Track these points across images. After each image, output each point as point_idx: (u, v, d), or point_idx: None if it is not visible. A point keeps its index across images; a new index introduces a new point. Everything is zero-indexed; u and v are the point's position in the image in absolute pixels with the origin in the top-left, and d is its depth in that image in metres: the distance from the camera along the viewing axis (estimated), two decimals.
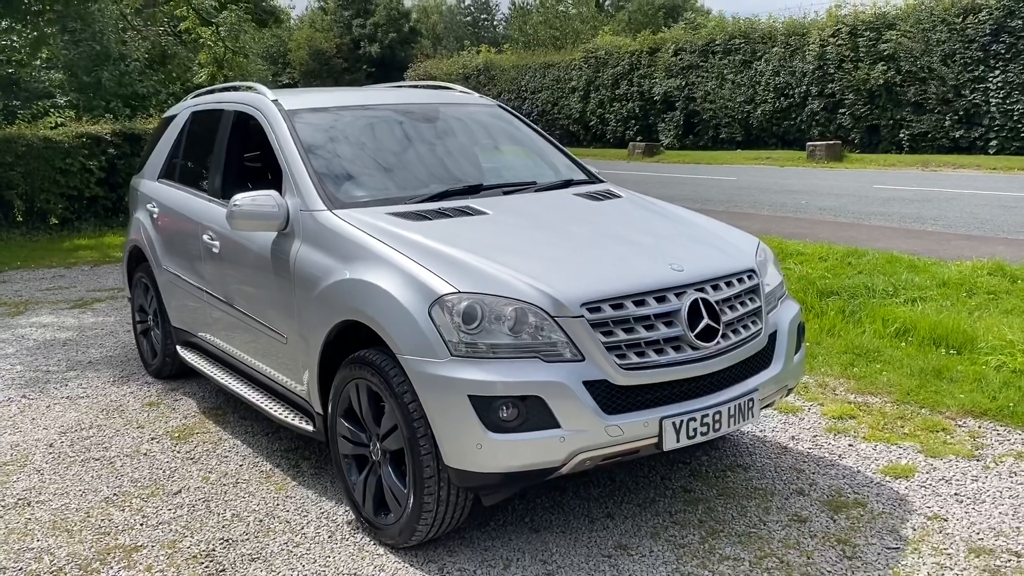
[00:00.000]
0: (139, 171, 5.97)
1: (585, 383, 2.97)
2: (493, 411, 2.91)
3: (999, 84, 19.01)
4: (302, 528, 3.56)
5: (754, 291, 3.49)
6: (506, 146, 4.79)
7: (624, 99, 28.08)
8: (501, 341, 2.99)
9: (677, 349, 3.14)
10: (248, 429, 4.69)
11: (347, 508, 3.67)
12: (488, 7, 58.37)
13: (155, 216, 5.35)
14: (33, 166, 12.22)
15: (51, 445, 4.55)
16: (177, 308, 5.15)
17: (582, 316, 3.01)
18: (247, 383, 4.42)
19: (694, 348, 3.16)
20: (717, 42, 25.19)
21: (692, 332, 3.14)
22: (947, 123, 19.94)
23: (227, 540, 3.48)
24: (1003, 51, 18.93)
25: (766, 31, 24.25)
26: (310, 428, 3.78)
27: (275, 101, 4.36)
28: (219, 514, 3.71)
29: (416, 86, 5.47)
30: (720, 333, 3.22)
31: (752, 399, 3.31)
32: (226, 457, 4.33)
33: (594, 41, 30.72)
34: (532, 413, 2.93)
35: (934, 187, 14.28)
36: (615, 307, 3.07)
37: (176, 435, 4.64)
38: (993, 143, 19.22)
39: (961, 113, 19.71)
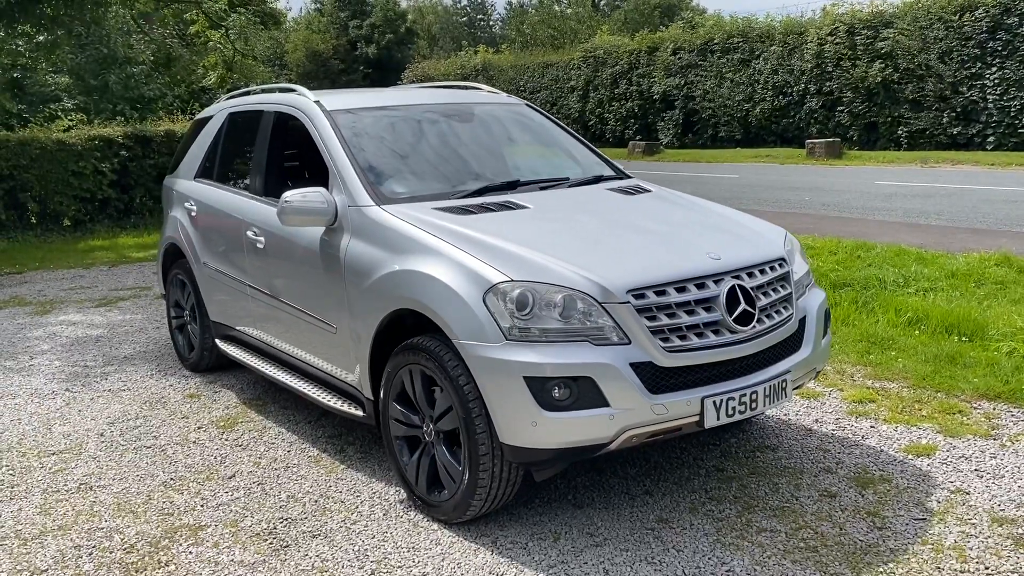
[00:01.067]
0: (172, 171, 6.15)
1: (632, 364, 3.16)
2: (547, 391, 3.10)
3: (996, 81, 19.26)
4: (357, 507, 3.75)
5: (785, 278, 3.68)
6: (536, 143, 4.98)
7: (623, 98, 28.32)
8: (552, 326, 3.17)
9: (716, 333, 3.33)
10: (291, 418, 4.87)
11: (398, 488, 3.86)
12: (484, 7, 58.58)
13: (193, 214, 5.52)
14: (46, 169, 12.39)
15: (102, 435, 4.73)
16: (217, 303, 5.33)
17: (628, 302, 3.20)
18: (290, 372, 4.60)
19: (732, 332, 3.35)
20: (715, 41, 25.44)
21: (730, 316, 3.33)
22: (945, 120, 20.20)
23: (287, 519, 3.66)
24: (1000, 48, 19.19)
25: (764, 30, 24.50)
26: (360, 413, 3.96)
27: (317, 102, 4.54)
28: (275, 496, 3.90)
29: (446, 86, 5.65)
30: (756, 318, 3.41)
31: (785, 380, 3.51)
32: (273, 444, 4.51)
33: (592, 41, 30.96)
34: (583, 393, 3.11)
35: (935, 183, 14.51)
36: (658, 293, 3.26)
37: (221, 424, 4.82)
38: (991, 139, 19.47)
39: (959, 110, 19.96)
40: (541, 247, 3.43)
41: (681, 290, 3.30)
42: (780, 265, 3.67)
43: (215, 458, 4.35)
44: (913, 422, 4.43)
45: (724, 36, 25.28)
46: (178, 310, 5.96)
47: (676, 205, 4.30)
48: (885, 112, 21.35)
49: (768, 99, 23.90)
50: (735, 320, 3.35)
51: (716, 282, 3.37)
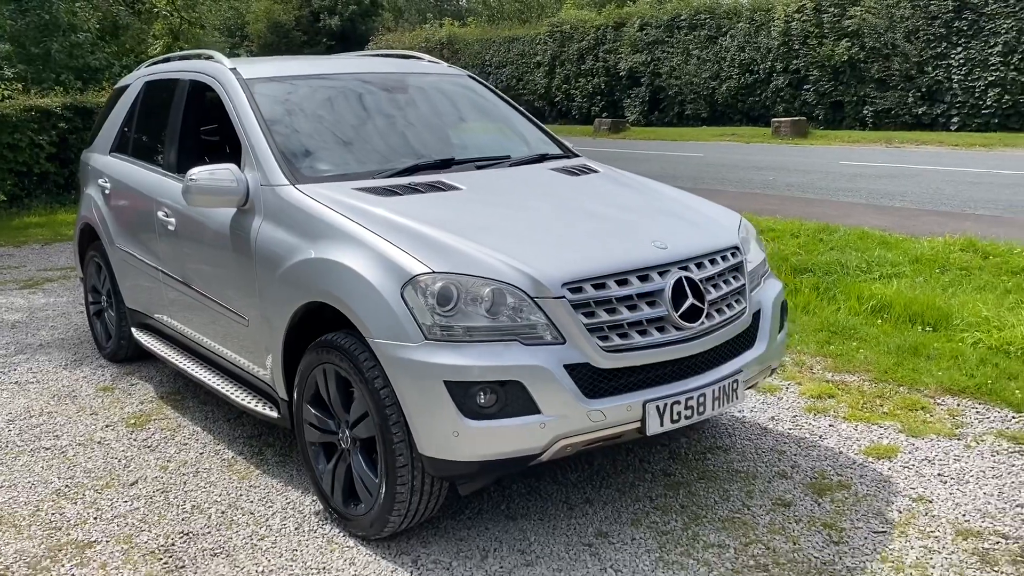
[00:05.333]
0: (90, 144, 5.68)
1: (566, 366, 2.83)
2: (470, 397, 2.76)
3: (961, 61, 19.15)
4: (267, 520, 3.39)
5: (738, 269, 3.36)
6: (477, 118, 4.60)
7: (590, 75, 27.88)
8: (478, 324, 2.83)
9: (661, 330, 3.00)
10: (208, 415, 4.49)
11: (315, 498, 3.51)
12: None
13: (107, 192, 5.08)
14: None
15: None
16: (132, 289, 4.91)
17: (563, 297, 2.86)
18: (207, 367, 4.22)
19: (678, 329, 3.02)
20: (682, 17, 25.06)
21: (676, 312, 3.01)
22: (910, 99, 20.08)
23: (187, 534, 3.30)
24: (965, 28, 19.06)
25: (731, 6, 24.17)
26: (274, 414, 3.60)
27: (233, 69, 4.13)
28: (178, 506, 3.52)
29: (382, 55, 5.24)
30: (704, 313, 3.10)
31: (737, 380, 3.20)
32: (185, 445, 4.13)
33: (559, 15, 30.43)
34: (511, 399, 2.78)
35: (899, 163, 14.34)
36: (597, 287, 2.92)
37: (132, 422, 4.42)
38: (955, 120, 19.39)
39: (924, 90, 19.85)
40: (469, 234, 3.07)
41: (622, 283, 2.97)
42: (733, 254, 3.35)
43: (119, 461, 3.96)
44: (874, 420, 4.17)
45: (691, 12, 24.91)
46: (95, 295, 5.52)
47: (623, 187, 3.96)
48: (851, 91, 21.19)
49: (735, 77, 23.62)
50: (682, 316, 3.02)
51: (661, 274, 3.04)
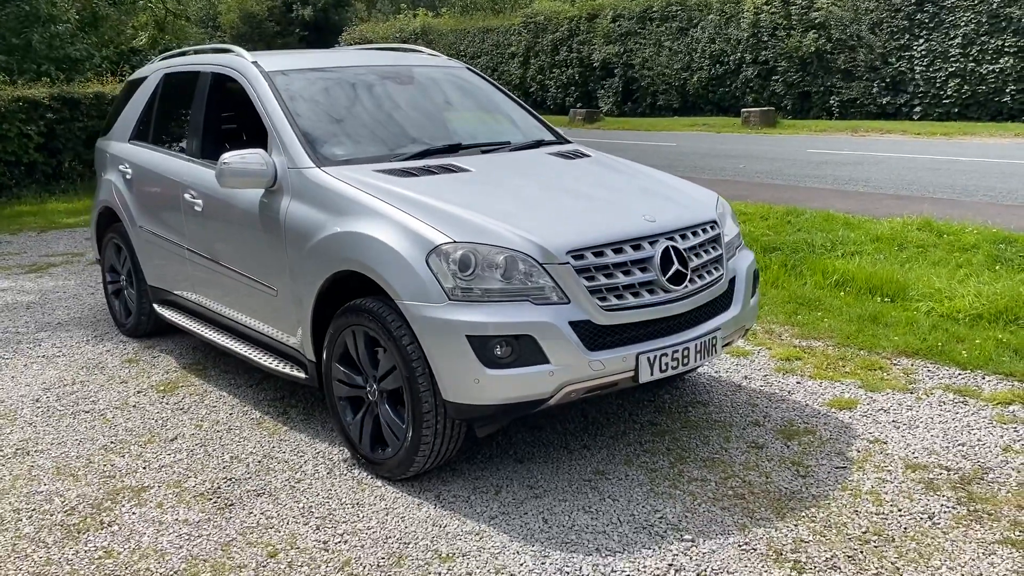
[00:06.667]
0: (105, 134, 6.01)
1: (571, 323, 3.27)
2: (489, 349, 3.19)
3: (923, 52, 19.83)
4: (301, 467, 3.80)
5: (716, 240, 3.82)
6: (477, 107, 5.02)
7: (564, 65, 28.31)
8: (494, 286, 3.26)
9: (651, 292, 3.45)
10: (232, 381, 4.87)
11: (342, 448, 3.92)
12: None
13: (128, 177, 5.43)
14: None
15: (37, 400, 4.67)
16: (154, 267, 5.27)
17: (567, 263, 3.30)
18: (231, 336, 4.60)
19: (666, 291, 3.47)
20: (654, 9, 25.53)
21: (664, 276, 3.46)
22: (875, 90, 20.73)
23: (231, 479, 3.70)
24: (927, 20, 19.74)
25: None
26: (302, 375, 4.00)
27: (255, 63, 4.50)
28: (218, 457, 3.92)
29: (385, 48, 5.63)
30: (688, 278, 3.55)
31: (715, 337, 3.66)
32: (215, 407, 4.52)
33: (533, 6, 30.80)
34: (524, 350, 3.21)
35: (864, 151, 14.94)
36: (596, 255, 3.36)
37: (161, 388, 4.80)
38: (917, 109, 20.08)
39: (888, 80, 20.51)
40: (483, 209, 3.50)
41: (618, 251, 3.41)
42: (712, 227, 3.81)
43: (156, 422, 4.35)
44: (837, 378, 4.65)
45: (663, 4, 25.39)
46: (114, 275, 5.87)
47: (613, 169, 4.40)
48: (818, 82, 21.81)
49: (705, 68, 24.16)
50: (669, 280, 3.47)
51: (651, 243, 3.49)
